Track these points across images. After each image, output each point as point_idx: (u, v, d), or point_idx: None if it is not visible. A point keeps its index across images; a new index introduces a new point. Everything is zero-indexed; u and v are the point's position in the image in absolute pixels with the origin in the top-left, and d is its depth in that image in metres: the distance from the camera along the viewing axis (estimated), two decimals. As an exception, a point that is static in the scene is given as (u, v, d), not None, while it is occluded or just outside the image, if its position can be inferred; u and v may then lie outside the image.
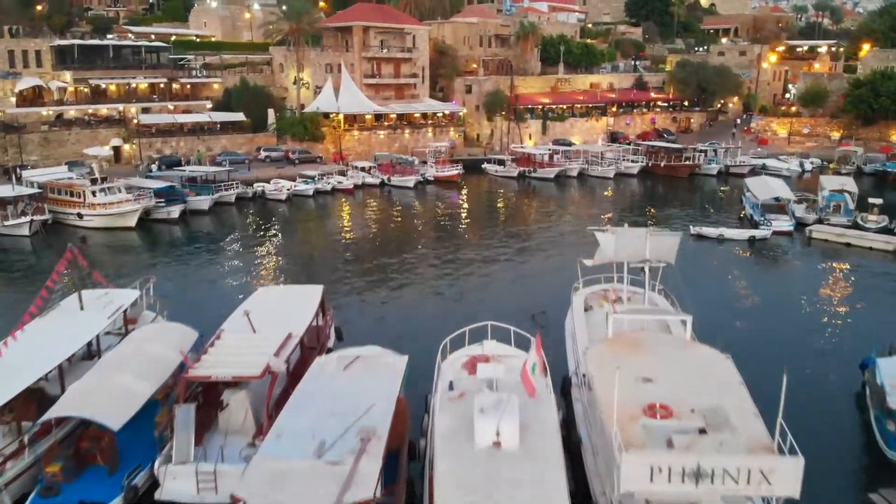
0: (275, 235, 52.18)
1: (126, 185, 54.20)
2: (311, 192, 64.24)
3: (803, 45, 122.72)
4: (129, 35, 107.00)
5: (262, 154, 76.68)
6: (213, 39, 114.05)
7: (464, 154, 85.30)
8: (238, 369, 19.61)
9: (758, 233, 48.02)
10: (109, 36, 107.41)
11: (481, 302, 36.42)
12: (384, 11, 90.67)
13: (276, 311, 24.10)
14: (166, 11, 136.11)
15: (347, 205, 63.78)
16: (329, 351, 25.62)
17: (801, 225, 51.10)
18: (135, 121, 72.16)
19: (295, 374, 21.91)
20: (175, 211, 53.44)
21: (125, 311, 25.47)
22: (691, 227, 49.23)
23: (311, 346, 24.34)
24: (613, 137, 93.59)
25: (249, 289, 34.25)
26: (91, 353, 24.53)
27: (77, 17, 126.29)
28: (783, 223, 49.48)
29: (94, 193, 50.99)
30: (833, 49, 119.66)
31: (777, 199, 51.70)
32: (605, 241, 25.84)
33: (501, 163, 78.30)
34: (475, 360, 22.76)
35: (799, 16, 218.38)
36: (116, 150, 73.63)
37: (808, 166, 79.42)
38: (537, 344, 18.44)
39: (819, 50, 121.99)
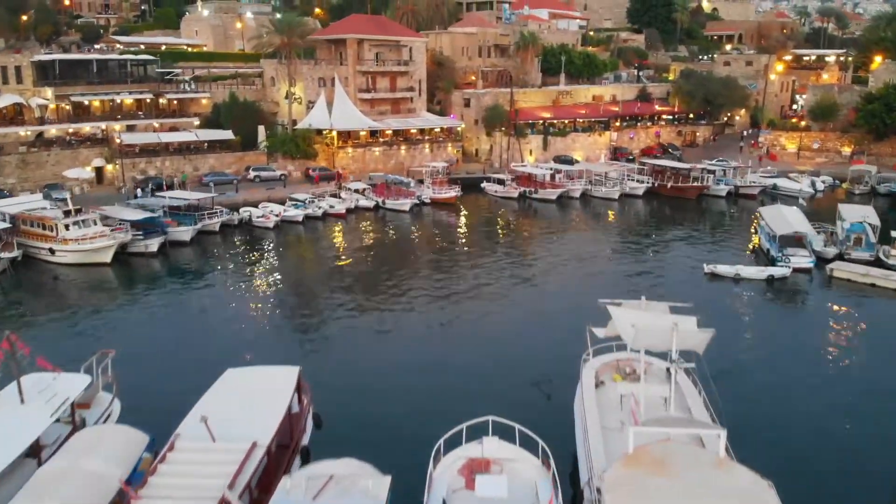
0: (258, 272, 48.99)
1: (102, 216, 51.02)
2: (300, 219, 61.03)
3: (811, 55, 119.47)
4: (117, 45, 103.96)
5: (252, 174, 73.50)
6: (204, 49, 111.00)
7: (462, 172, 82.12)
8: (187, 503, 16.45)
9: (776, 271, 44.86)
10: (97, 46, 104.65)
11: (479, 359, 33.33)
12: (379, 23, 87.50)
13: (243, 407, 20.91)
14: (158, 19, 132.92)
15: (339, 232, 60.61)
16: (305, 452, 22.50)
17: (820, 259, 47.99)
18: (118, 140, 68.84)
19: (261, 488, 18.80)
20: (153, 244, 50.23)
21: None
22: (705, 265, 46.08)
23: (283, 445, 21.17)
24: (617, 153, 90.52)
25: (221, 351, 31.19)
26: (33, 448, 21.39)
27: (66, 25, 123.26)
28: (802, 259, 46.33)
29: (66, 227, 47.81)
30: (841, 59, 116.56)
31: (795, 232, 48.52)
32: (621, 322, 22.61)
33: (501, 182, 75.15)
34: (473, 465, 19.82)
35: (802, 20, 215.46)
36: (99, 170, 70.53)
37: (819, 185, 76.28)
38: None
39: (827, 59, 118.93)
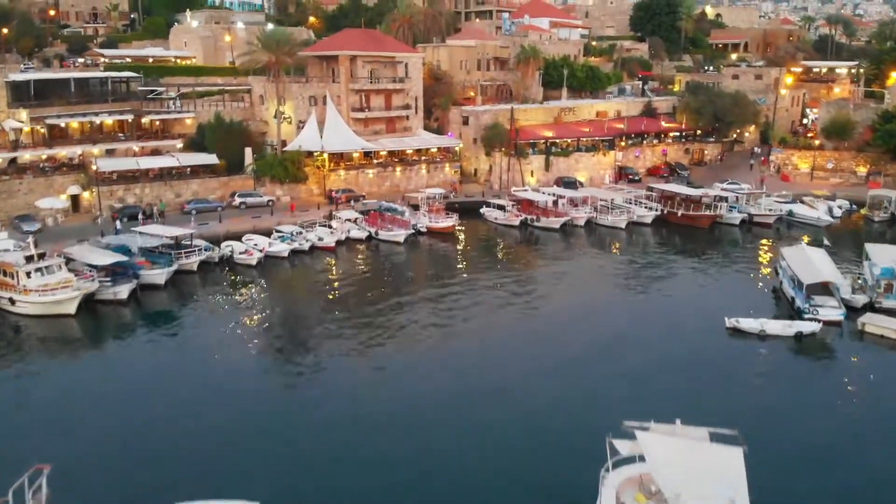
0: (238, 319, 44.98)
1: (68, 259, 46.99)
2: (286, 254, 56.94)
3: (821, 67, 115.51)
4: (102, 58, 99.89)
5: (237, 200, 69.46)
6: (193, 61, 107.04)
7: (460, 195, 78.09)
8: None
9: (805, 327, 40.88)
10: (80, 60, 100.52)
11: (473, 452, 29.37)
12: (373, 38, 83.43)
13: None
14: (147, 29, 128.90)
15: (327, 269, 56.69)
16: None
17: (849, 308, 44.03)
18: (94, 167, 64.81)
19: None
20: (123, 291, 46.15)
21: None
22: (726, 319, 42.02)
23: None
24: (622, 173, 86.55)
25: (185, 457, 27.17)
26: None
27: (52, 36, 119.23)
28: (832, 311, 42.39)
29: (28, 274, 43.74)
30: (853, 70, 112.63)
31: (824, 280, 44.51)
32: (653, 457, 18.64)
33: (501, 208, 71.19)
34: None
35: (808, 26, 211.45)
36: (75, 198, 66.53)
37: (836, 212, 72.28)
38: None
39: (838, 71, 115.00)
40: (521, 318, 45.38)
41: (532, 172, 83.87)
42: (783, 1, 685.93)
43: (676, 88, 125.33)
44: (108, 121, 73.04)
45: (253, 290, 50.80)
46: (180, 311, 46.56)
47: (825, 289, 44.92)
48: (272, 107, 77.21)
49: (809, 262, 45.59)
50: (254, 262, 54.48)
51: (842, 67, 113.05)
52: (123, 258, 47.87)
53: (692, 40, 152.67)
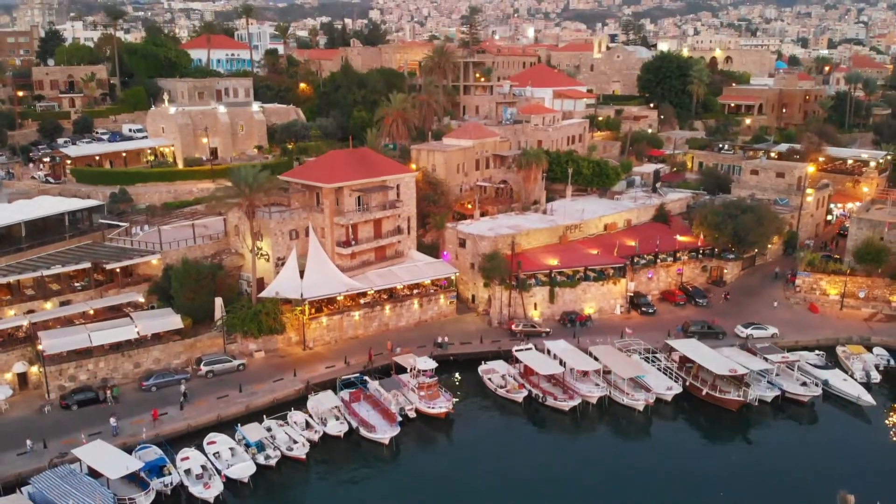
0: None
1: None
2: (247, 476, 48.83)
3: (846, 158, 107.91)
4: (68, 160, 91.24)
5: (204, 369, 61.88)
6: (171, 149, 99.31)
7: (455, 341, 70.41)
8: None
9: None
10: (41, 174, 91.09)
11: None
12: (362, 160, 75.49)
13: None
14: (126, 101, 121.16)
15: (297, 494, 48.91)
16: None
17: None
18: (39, 347, 57.15)
19: None
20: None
21: None
22: None
23: None
24: (635, 304, 78.87)
25: None
26: None
27: (21, 116, 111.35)
28: None
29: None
30: (880, 161, 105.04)
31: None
32: None
33: (504, 378, 63.31)
34: None
35: (824, 75, 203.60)
36: (23, 375, 58.89)
37: (875, 376, 64.66)
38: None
39: (863, 156, 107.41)
40: None
41: (535, 305, 76.30)
42: (787, 6, 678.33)
43: (689, 166, 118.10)
44: (63, 270, 65.17)
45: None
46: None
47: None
48: (248, 239, 69.53)
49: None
50: (211, 500, 46.58)
51: (869, 159, 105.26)
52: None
53: (704, 104, 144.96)
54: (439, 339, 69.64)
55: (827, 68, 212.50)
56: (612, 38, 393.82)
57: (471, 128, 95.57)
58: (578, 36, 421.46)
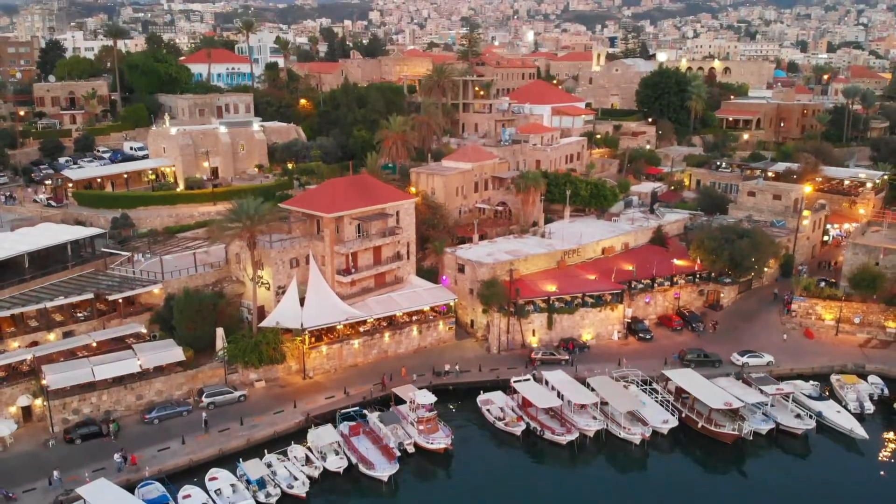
0: None
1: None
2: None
3: (843, 178, 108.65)
4: (68, 186, 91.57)
5: (205, 401, 62.58)
6: (172, 169, 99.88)
7: (454, 370, 71.03)
8: None
9: None
10: (42, 197, 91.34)
11: None
12: (361, 188, 76.26)
13: None
14: (127, 119, 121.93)
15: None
16: None
17: None
18: (43, 382, 57.92)
19: None
20: None
21: None
22: None
23: None
24: (632, 330, 79.61)
25: None
26: None
27: (22, 134, 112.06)
28: None
29: None
30: (877, 182, 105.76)
31: None
32: None
33: (502, 410, 64.00)
34: None
35: (822, 84, 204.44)
36: (27, 408, 59.62)
37: (868, 406, 65.45)
38: None
39: (861, 177, 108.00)
40: None
41: (534, 332, 77.03)
42: (786, 8, 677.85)
43: (687, 184, 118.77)
44: (67, 300, 65.91)
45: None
46: None
47: None
48: (249, 268, 70.29)
49: None
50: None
51: (865, 179, 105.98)
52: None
53: (702, 120, 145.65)
54: (447, 368, 70.26)
55: (826, 77, 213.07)
56: (612, 40, 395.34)
57: (470, 150, 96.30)
58: (578, 39, 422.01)
